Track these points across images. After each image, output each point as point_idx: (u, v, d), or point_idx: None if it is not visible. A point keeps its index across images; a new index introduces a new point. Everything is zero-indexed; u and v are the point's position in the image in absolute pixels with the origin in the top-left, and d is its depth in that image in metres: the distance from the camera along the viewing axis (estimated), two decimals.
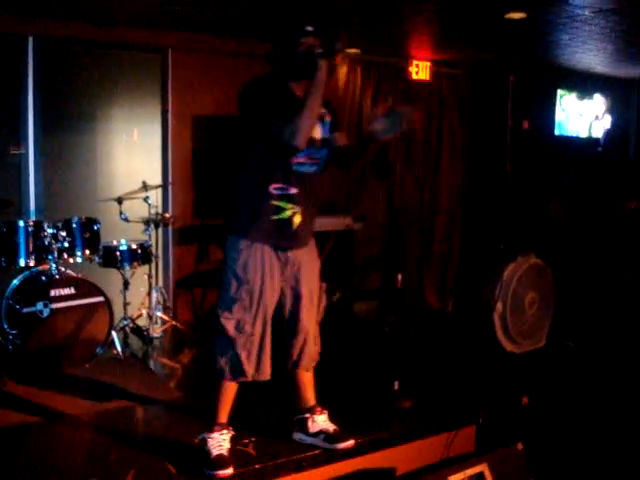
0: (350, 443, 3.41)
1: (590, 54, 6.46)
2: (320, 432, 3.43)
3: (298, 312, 3.31)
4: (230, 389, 3.27)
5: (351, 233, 6.55)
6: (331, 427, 3.45)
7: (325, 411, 3.50)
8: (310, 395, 3.51)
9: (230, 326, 3.17)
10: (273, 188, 3.13)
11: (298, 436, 3.49)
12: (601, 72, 7.56)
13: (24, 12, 5.07)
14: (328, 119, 3.31)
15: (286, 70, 3.16)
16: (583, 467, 3.74)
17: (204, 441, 3.24)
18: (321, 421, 3.46)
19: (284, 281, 3.27)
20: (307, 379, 3.49)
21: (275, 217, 3.15)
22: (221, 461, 3.15)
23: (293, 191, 3.15)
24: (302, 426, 3.48)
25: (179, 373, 4.91)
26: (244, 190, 3.22)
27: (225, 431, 3.26)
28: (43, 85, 5.42)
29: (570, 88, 7.81)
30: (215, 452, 3.18)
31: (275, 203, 3.14)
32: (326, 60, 2.98)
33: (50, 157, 5.55)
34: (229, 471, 3.11)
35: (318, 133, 3.23)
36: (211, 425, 3.26)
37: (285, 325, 3.34)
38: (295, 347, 3.35)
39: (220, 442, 3.22)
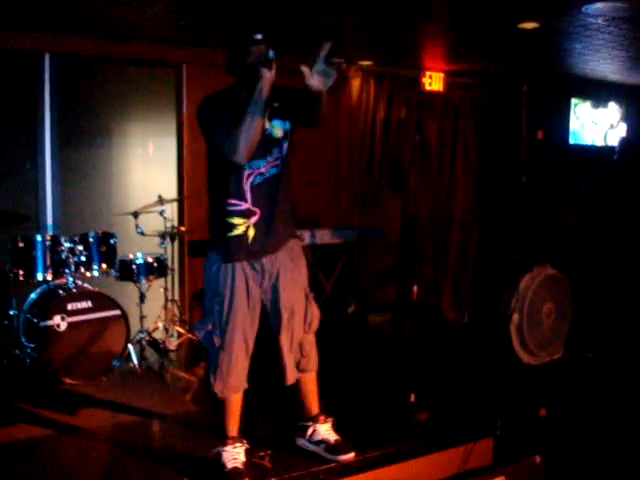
0: (351, 456, 3.39)
1: (604, 62, 6.44)
2: (322, 441, 3.42)
3: (279, 323, 3.26)
4: (230, 404, 3.27)
5: (365, 245, 6.56)
6: (332, 437, 3.43)
7: (329, 420, 3.48)
8: (313, 403, 3.49)
9: (200, 337, 3.23)
10: (227, 204, 3.13)
11: (301, 442, 3.50)
12: (615, 80, 7.52)
13: (40, 29, 5.13)
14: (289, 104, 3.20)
15: (240, 79, 3.14)
16: None
17: (219, 454, 3.25)
18: (323, 430, 3.45)
19: (264, 293, 3.24)
20: (309, 387, 3.46)
21: (230, 234, 3.14)
22: (236, 474, 3.15)
23: (243, 206, 3.13)
24: (303, 433, 3.47)
25: (195, 386, 4.90)
26: (211, 208, 3.28)
27: (239, 444, 3.27)
28: (59, 101, 5.49)
29: (584, 97, 7.78)
30: (230, 465, 3.19)
31: (228, 220, 3.14)
32: (267, 69, 2.92)
33: (67, 172, 5.61)
34: None
35: (279, 132, 3.19)
36: (224, 439, 3.27)
37: (272, 335, 3.31)
38: (289, 358, 3.31)
39: (234, 455, 3.22)
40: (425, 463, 3.62)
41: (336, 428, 3.49)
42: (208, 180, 3.27)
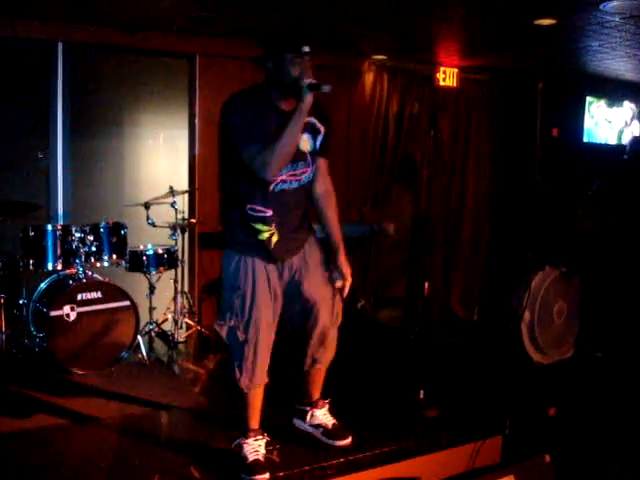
0: (348, 441, 3.42)
1: (620, 61, 6.39)
2: (319, 425, 3.47)
3: (310, 312, 3.26)
4: (252, 396, 3.25)
5: (376, 240, 6.54)
6: (330, 422, 3.48)
7: (326, 404, 3.51)
8: (316, 389, 3.52)
9: (223, 333, 3.19)
10: (249, 209, 3.09)
11: (298, 423, 3.55)
12: (630, 79, 7.46)
13: (54, 19, 5.13)
14: (323, 131, 3.22)
15: (273, 82, 3.06)
16: None
17: (240, 446, 3.25)
18: (321, 415, 3.49)
19: (284, 285, 3.23)
20: (318, 377, 3.49)
21: (253, 239, 3.12)
22: (258, 466, 3.16)
23: (268, 213, 3.10)
24: (301, 416, 3.52)
25: (203, 378, 4.91)
26: (226, 207, 3.23)
27: (260, 437, 3.27)
28: (72, 90, 5.48)
29: (599, 95, 7.72)
30: (252, 457, 3.19)
31: (251, 225, 3.11)
32: (312, 94, 2.89)
33: (78, 162, 5.61)
34: (266, 476, 3.13)
35: (307, 145, 3.16)
36: (245, 431, 3.27)
37: (295, 327, 3.32)
38: (311, 347, 3.32)
39: (256, 448, 3.23)
40: (433, 460, 3.60)
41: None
42: (224, 181, 3.21)
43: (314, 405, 3.50)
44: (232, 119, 3.02)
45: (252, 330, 3.13)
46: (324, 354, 3.38)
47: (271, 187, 3.06)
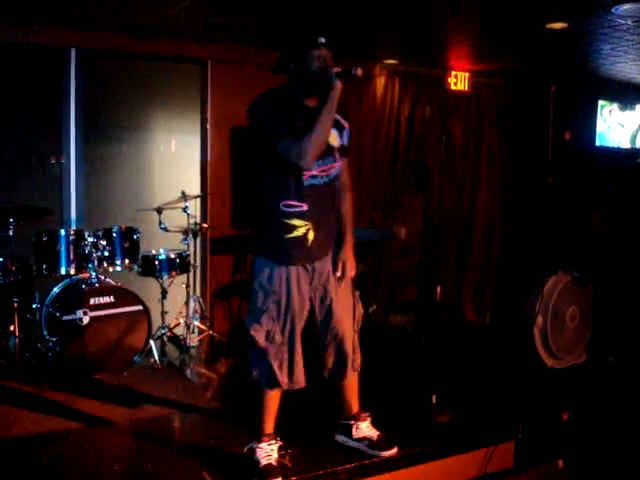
0: (394, 451, 3.42)
1: (632, 64, 6.36)
2: (364, 438, 3.45)
3: (330, 321, 3.29)
4: (271, 399, 3.27)
5: (388, 245, 6.53)
6: (375, 434, 3.47)
7: (369, 417, 3.51)
8: (354, 401, 3.51)
9: (260, 337, 3.18)
10: (284, 205, 3.11)
11: (341, 438, 3.52)
12: None
13: (67, 25, 5.16)
14: (347, 127, 3.28)
15: (298, 83, 3.10)
16: None
17: (252, 451, 3.26)
18: (365, 427, 3.48)
19: (313, 291, 3.26)
20: (351, 385, 3.49)
21: (289, 235, 3.13)
22: (270, 471, 3.16)
23: (304, 208, 3.12)
24: (346, 431, 3.50)
25: (215, 382, 4.92)
26: (260, 208, 3.23)
27: (273, 441, 3.27)
28: (85, 96, 5.51)
29: (612, 99, 7.68)
30: (264, 462, 3.20)
31: (287, 221, 3.12)
32: (341, 80, 2.95)
33: (91, 167, 5.64)
34: None
35: (335, 140, 3.20)
36: (259, 435, 3.27)
37: (319, 334, 3.34)
38: (329, 356, 3.35)
39: (269, 452, 3.23)
40: (446, 465, 3.60)
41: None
42: (259, 183, 3.22)
43: (357, 418, 3.49)
44: (262, 117, 3.06)
45: (288, 332, 3.18)
46: (356, 360, 3.40)
47: (303, 183, 3.10)
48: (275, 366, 3.18)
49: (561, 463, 3.39)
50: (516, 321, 5.08)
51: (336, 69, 2.96)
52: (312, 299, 3.27)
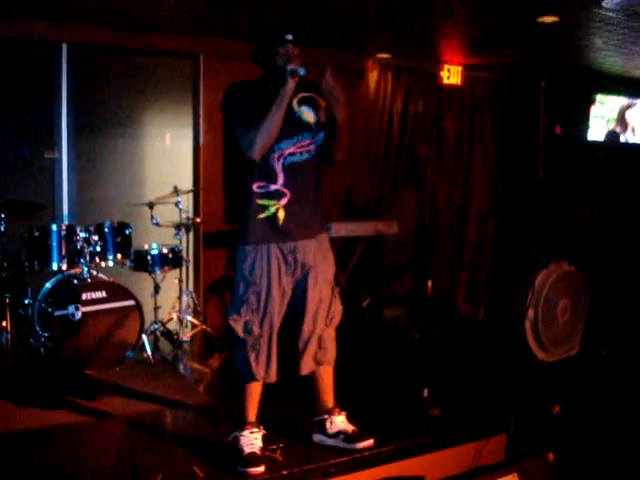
0: (370, 442, 3.41)
1: (624, 57, 6.37)
2: (339, 432, 3.44)
3: (304, 314, 3.31)
4: (253, 387, 3.29)
5: (381, 239, 6.53)
6: (350, 427, 3.45)
7: (343, 412, 3.50)
8: (328, 397, 3.51)
9: (239, 328, 3.22)
10: (256, 187, 3.19)
11: (318, 437, 3.50)
12: (637, 76, 7.43)
13: (58, 19, 5.14)
14: (322, 103, 3.29)
15: (267, 74, 3.23)
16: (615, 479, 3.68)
17: (236, 439, 3.28)
18: (339, 422, 3.46)
19: (294, 283, 3.29)
20: (326, 381, 3.49)
21: (262, 215, 3.19)
22: (253, 459, 3.17)
23: (274, 187, 3.18)
24: (321, 427, 3.48)
25: (208, 377, 4.92)
26: (240, 196, 3.30)
27: (256, 429, 3.29)
28: (76, 90, 5.51)
29: (604, 92, 7.70)
30: (247, 450, 3.22)
31: (259, 202, 3.19)
32: (292, 79, 3.04)
33: (83, 162, 5.63)
34: (261, 469, 3.14)
35: (311, 117, 3.25)
36: (242, 424, 3.29)
37: (292, 327, 3.35)
38: (299, 349, 3.35)
39: (252, 440, 3.25)
40: (437, 458, 3.60)
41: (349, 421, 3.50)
42: (227, 166, 3.30)
43: (331, 412, 3.47)
44: (226, 106, 3.21)
45: (267, 324, 3.21)
46: (325, 355, 3.40)
47: (277, 161, 3.17)
48: (252, 358, 3.22)
49: (551, 456, 3.40)
50: (508, 314, 5.09)
51: (290, 67, 3.05)
52: (292, 291, 3.30)
